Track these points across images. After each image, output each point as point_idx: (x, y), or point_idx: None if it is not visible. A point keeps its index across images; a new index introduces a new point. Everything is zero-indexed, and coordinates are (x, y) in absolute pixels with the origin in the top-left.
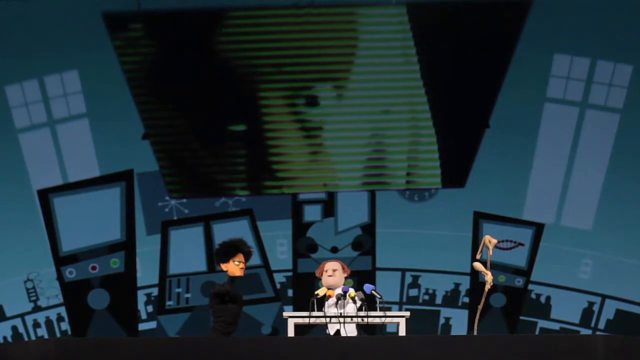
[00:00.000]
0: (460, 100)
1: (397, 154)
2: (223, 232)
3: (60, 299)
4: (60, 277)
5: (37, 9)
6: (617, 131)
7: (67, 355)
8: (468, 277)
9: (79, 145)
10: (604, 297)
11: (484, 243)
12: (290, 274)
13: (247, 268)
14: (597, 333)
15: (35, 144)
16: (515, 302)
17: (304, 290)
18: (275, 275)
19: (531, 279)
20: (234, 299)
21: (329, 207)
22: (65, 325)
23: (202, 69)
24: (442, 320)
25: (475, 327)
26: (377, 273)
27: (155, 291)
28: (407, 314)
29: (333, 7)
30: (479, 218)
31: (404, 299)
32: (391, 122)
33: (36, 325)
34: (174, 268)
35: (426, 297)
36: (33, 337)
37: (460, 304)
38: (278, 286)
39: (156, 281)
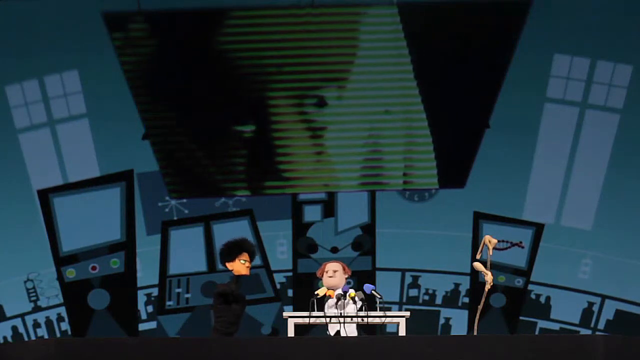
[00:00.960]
0: (460, 101)
1: (395, 154)
2: (223, 232)
3: (61, 299)
4: (60, 277)
5: (37, 9)
6: (617, 131)
7: (67, 356)
8: (468, 277)
9: (79, 146)
10: (603, 297)
11: (483, 243)
12: (290, 274)
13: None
14: (597, 333)
15: (35, 144)
16: (515, 302)
17: (304, 291)
18: (275, 275)
19: (531, 279)
20: (237, 299)
21: (329, 207)
22: (65, 326)
23: (203, 69)
24: (442, 321)
25: (475, 327)
26: (377, 273)
27: (155, 291)
28: (407, 314)
29: (333, 7)
30: (479, 218)
31: (404, 299)
32: (390, 122)
33: (36, 325)
34: (174, 268)
35: (426, 298)
36: (33, 337)
37: (460, 304)
38: (278, 286)
39: (156, 281)
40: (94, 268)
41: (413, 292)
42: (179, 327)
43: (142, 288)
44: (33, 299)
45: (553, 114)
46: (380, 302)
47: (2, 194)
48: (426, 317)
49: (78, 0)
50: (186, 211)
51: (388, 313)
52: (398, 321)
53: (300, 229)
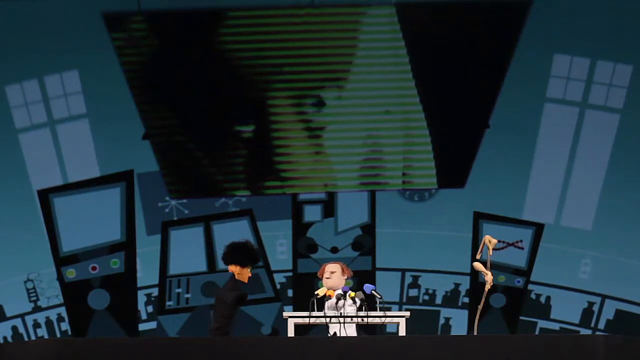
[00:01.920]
0: (459, 101)
1: (394, 154)
2: (223, 232)
3: (61, 299)
4: (60, 278)
5: (37, 9)
6: (617, 131)
7: (67, 356)
8: (468, 277)
9: (79, 146)
10: (603, 297)
11: (483, 243)
12: (290, 274)
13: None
14: (597, 333)
15: (36, 144)
16: (515, 302)
17: (304, 291)
18: (275, 275)
19: (531, 279)
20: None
21: (329, 207)
22: (65, 326)
23: (203, 69)
24: (442, 321)
25: (475, 327)
26: (377, 273)
27: (155, 291)
28: (407, 314)
29: (333, 7)
30: (479, 218)
31: (404, 299)
32: (389, 122)
33: (36, 325)
34: (174, 268)
35: (426, 298)
36: (33, 338)
37: (460, 304)
38: (278, 286)
39: (156, 281)
40: (94, 268)
41: (413, 292)
42: (179, 327)
43: (142, 288)
44: (33, 299)
45: (553, 114)
46: (380, 302)
47: (2, 194)
48: (426, 317)
49: (78, 0)
50: (186, 211)
51: (388, 313)
52: (398, 321)
53: (300, 229)
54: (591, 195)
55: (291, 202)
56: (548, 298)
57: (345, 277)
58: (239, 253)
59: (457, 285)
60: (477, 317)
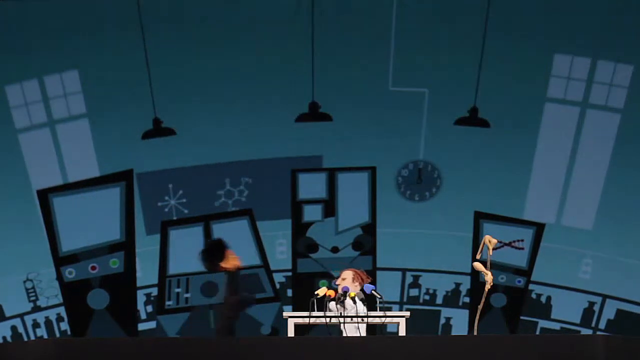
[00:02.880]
0: None
1: None
2: (223, 231)
3: (60, 299)
4: (59, 277)
5: (37, 9)
6: (618, 131)
7: (67, 355)
8: (468, 277)
9: (79, 145)
10: (604, 297)
11: (483, 243)
12: (289, 274)
13: (246, 268)
14: (598, 333)
15: (35, 144)
16: (515, 302)
17: (304, 290)
18: (274, 275)
19: (532, 279)
20: None
21: (329, 206)
22: (64, 326)
23: None
24: (442, 320)
25: (476, 327)
26: (378, 273)
27: (154, 291)
28: (407, 313)
29: None
30: (480, 218)
31: (405, 299)
32: None
33: (36, 325)
34: (173, 268)
35: (427, 297)
36: (32, 338)
37: (460, 303)
38: (277, 286)
39: (156, 281)
40: (93, 268)
41: (414, 292)
42: (179, 327)
43: (141, 288)
44: (32, 298)
45: (554, 113)
46: (380, 302)
47: (2, 194)
48: (427, 317)
49: (77, 0)
50: (185, 211)
51: (388, 313)
52: (398, 321)
53: (299, 228)
54: (592, 195)
55: (291, 201)
56: (549, 298)
57: (357, 284)
58: (209, 255)
59: (457, 285)
60: (477, 317)
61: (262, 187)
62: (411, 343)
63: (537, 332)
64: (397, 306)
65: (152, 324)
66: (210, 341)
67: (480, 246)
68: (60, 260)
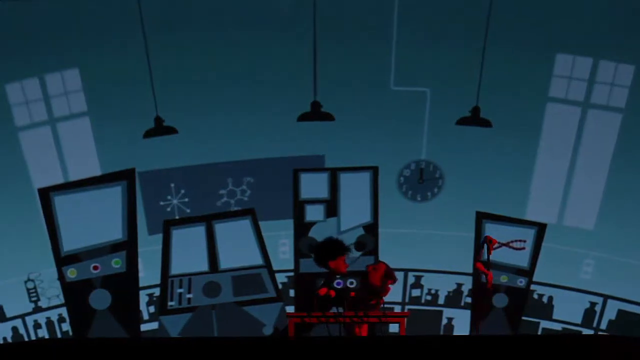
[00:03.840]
0: None
1: None
2: (225, 231)
3: (62, 300)
4: (61, 277)
5: (38, 7)
6: (620, 131)
7: (68, 356)
8: (470, 277)
9: (80, 144)
10: (605, 297)
11: (484, 243)
12: (292, 274)
13: (248, 268)
14: (599, 333)
15: (36, 142)
16: (517, 302)
17: (306, 291)
18: (277, 275)
19: (533, 279)
20: None
21: (331, 206)
22: (66, 326)
23: None
24: (444, 321)
25: (476, 327)
26: None
27: (157, 291)
28: (407, 313)
29: None
30: (482, 218)
31: (407, 299)
32: None
33: (37, 326)
34: (175, 268)
35: (428, 298)
36: (34, 338)
37: (462, 304)
38: (280, 286)
39: (158, 281)
40: (95, 268)
41: (416, 292)
42: (181, 328)
43: (143, 288)
44: (34, 299)
45: (555, 113)
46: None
47: (3, 193)
48: (428, 317)
49: None
50: (188, 210)
51: (387, 313)
52: (398, 321)
53: (302, 228)
54: (594, 195)
55: (293, 201)
56: (550, 298)
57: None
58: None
59: (459, 285)
60: (477, 317)
61: (265, 187)
62: (411, 343)
63: (539, 333)
64: (399, 306)
65: (154, 325)
66: (212, 342)
67: (482, 247)
68: (62, 260)
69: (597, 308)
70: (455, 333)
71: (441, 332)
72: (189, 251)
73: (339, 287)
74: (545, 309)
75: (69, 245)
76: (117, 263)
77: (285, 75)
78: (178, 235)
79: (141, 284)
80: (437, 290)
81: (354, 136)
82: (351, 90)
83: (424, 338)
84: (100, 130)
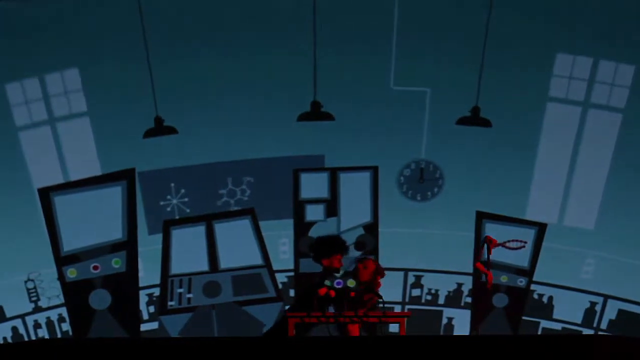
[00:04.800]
0: None
1: None
2: (225, 231)
3: (62, 299)
4: (61, 277)
5: (38, 7)
6: (619, 130)
7: (68, 356)
8: (470, 277)
9: (80, 144)
10: (606, 297)
11: (484, 243)
12: (292, 274)
13: (248, 268)
14: (600, 333)
15: (36, 142)
16: (517, 302)
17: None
18: (277, 275)
19: (533, 278)
20: None
21: (331, 206)
22: (66, 326)
23: None
24: (444, 321)
25: (476, 327)
26: None
27: (157, 291)
28: (408, 313)
29: None
30: (482, 218)
31: (407, 299)
32: None
33: (37, 326)
34: (175, 268)
35: (428, 297)
36: (34, 338)
37: (462, 304)
38: (280, 286)
39: (158, 281)
40: (95, 267)
41: (416, 292)
42: (181, 328)
43: (143, 288)
44: (34, 299)
45: (556, 113)
46: (380, 302)
47: (3, 193)
48: (428, 317)
49: None
50: (188, 210)
51: (388, 313)
52: (398, 321)
53: (302, 228)
54: (594, 194)
55: (293, 201)
56: (550, 298)
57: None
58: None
59: (459, 285)
60: (476, 317)
61: (264, 187)
62: (411, 343)
63: (539, 333)
64: (400, 306)
65: (154, 325)
66: (212, 342)
67: (482, 246)
68: (62, 260)
69: (598, 308)
70: (455, 333)
71: (441, 332)
72: (188, 251)
73: (338, 287)
74: (545, 309)
75: (69, 245)
76: (117, 263)
77: (285, 75)
78: (178, 235)
79: (141, 284)
80: (437, 290)
81: (353, 136)
82: (351, 90)
83: (424, 338)
84: (99, 130)
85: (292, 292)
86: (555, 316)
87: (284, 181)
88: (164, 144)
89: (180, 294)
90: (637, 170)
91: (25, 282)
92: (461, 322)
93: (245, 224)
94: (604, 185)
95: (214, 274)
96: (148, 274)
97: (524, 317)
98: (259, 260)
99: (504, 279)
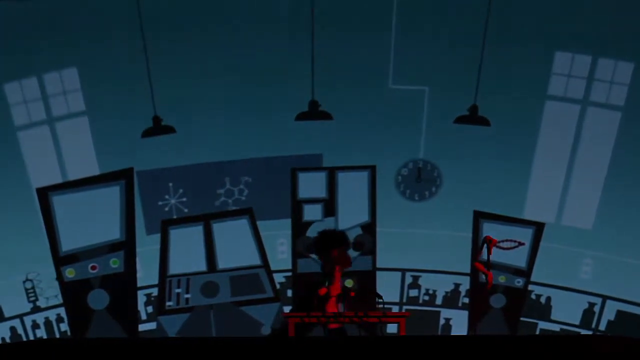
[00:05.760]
0: None
1: None
2: (223, 231)
3: (60, 300)
4: (59, 277)
5: (36, 6)
6: (619, 128)
7: (67, 356)
8: (468, 278)
9: (79, 143)
10: (604, 297)
11: (483, 243)
12: (289, 274)
13: (246, 268)
14: (598, 334)
15: (35, 141)
16: (515, 302)
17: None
18: (275, 275)
19: (531, 279)
20: None
21: (329, 206)
22: (64, 326)
23: None
24: (442, 321)
25: (474, 328)
26: (377, 273)
27: (155, 291)
28: (407, 314)
29: None
30: (480, 217)
31: (404, 299)
32: None
33: (35, 326)
34: (173, 268)
35: (426, 298)
36: (32, 339)
37: (460, 304)
38: (278, 286)
39: (156, 281)
40: (93, 268)
41: (413, 292)
42: (179, 328)
43: (141, 288)
44: (32, 299)
45: (554, 111)
46: (380, 303)
47: (1, 193)
48: (426, 317)
49: None
50: (186, 210)
51: (387, 313)
52: (398, 321)
53: (300, 228)
54: (592, 193)
55: (291, 201)
56: (548, 299)
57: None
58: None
59: (457, 285)
60: (475, 316)
61: (262, 186)
62: (411, 343)
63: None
64: (397, 307)
65: (152, 325)
66: (210, 342)
67: (481, 246)
68: (60, 260)
69: (596, 309)
70: (453, 333)
71: (439, 333)
72: (186, 251)
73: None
74: (544, 310)
75: (67, 245)
76: (115, 263)
77: (283, 75)
78: (176, 235)
79: (139, 284)
80: (434, 291)
81: (351, 135)
82: (349, 89)
83: (423, 338)
84: (98, 130)
85: (289, 293)
86: (553, 317)
87: (282, 181)
88: (162, 144)
89: (178, 294)
90: (636, 168)
91: (24, 282)
92: (458, 323)
93: (243, 223)
94: (602, 184)
95: (212, 274)
96: (146, 273)
97: (522, 319)
98: (256, 261)
99: (501, 279)
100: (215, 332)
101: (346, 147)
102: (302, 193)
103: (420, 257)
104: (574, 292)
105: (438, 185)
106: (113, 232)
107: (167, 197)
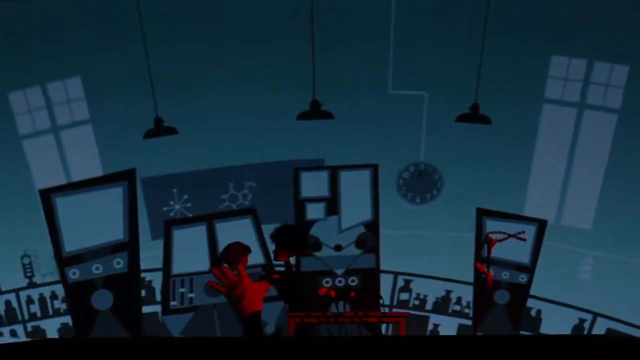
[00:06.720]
0: None
1: None
2: (227, 231)
3: (55, 277)
4: (63, 278)
5: (39, 15)
6: (615, 130)
7: (69, 356)
8: (462, 285)
9: (83, 152)
10: (595, 314)
11: (485, 241)
12: None
13: (249, 267)
14: (598, 334)
15: (40, 150)
16: (519, 298)
17: (306, 290)
18: None
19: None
20: None
21: (332, 205)
22: (58, 303)
23: None
24: (430, 327)
25: (477, 326)
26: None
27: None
28: (407, 314)
29: None
30: (482, 214)
31: (395, 302)
32: None
33: (30, 301)
34: (177, 268)
35: (416, 302)
36: (26, 314)
37: (450, 311)
38: None
39: (160, 282)
40: (97, 268)
41: (404, 296)
42: (183, 327)
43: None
44: (29, 274)
45: (551, 114)
46: (381, 304)
47: (7, 201)
48: (422, 318)
49: (79, 5)
50: (190, 215)
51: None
52: (397, 321)
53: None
54: (590, 194)
55: (294, 200)
56: (539, 312)
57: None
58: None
59: (448, 292)
60: (475, 316)
61: (266, 191)
62: (411, 343)
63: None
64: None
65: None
66: (214, 341)
67: (482, 245)
68: (64, 261)
69: (586, 325)
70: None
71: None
72: (190, 251)
73: (340, 285)
74: (533, 323)
75: (70, 246)
76: (118, 264)
77: (285, 78)
78: (179, 234)
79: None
80: (425, 295)
81: (353, 140)
82: (349, 94)
83: (423, 338)
84: (103, 138)
85: None
86: (542, 330)
87: (285, 185)
88: (166, 149)
89: (182, 293)
90: (633, 169)
91: (22, 257)
92: (447, 330)
93: (246, 223)
94: (600, 184)
95: (210, 275)
96: (152, 278)
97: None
98: (260, 260)
99: (505, 275)
100: (220, 332)
101: (347, 152)
102: (305, 192)
103: (419, 258)
104: (565, 307)
105: (439, 188)
106: (116, 233)
107: (171, 203)
